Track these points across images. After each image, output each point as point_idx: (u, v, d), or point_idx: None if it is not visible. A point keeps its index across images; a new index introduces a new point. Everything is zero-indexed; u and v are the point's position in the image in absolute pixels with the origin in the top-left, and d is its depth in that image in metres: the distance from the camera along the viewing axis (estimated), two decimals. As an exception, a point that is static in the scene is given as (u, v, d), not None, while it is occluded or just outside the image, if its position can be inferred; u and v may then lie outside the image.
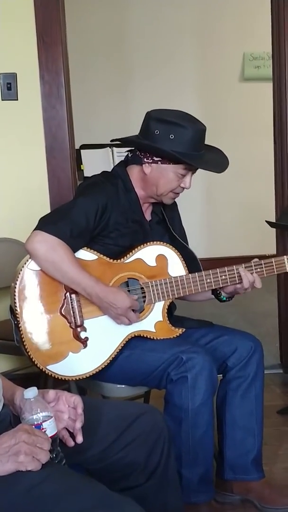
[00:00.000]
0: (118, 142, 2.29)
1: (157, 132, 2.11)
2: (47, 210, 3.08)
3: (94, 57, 5.60)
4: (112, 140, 2.33)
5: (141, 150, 2.19)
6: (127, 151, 2.27)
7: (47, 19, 3.02)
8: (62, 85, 3.07)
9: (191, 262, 2.27)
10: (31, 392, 1.44)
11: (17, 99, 3.08)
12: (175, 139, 2.09)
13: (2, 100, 3.06)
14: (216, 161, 2.21)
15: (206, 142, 2.25)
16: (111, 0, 5.60)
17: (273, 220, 3.21)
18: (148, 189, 2.21)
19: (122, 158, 2.29)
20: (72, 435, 1.55)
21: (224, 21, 5.71)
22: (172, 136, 2.09)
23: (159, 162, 2.15)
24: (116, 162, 4.25)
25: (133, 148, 2.25)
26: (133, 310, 2.10)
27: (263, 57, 5.77)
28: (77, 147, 4.42)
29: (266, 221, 2.92)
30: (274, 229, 3.33)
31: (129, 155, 2.25)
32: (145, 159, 2.16)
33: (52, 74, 3.06)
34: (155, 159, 2.15)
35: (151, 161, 2.16)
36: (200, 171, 2.20)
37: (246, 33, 5.71)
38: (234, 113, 5.82)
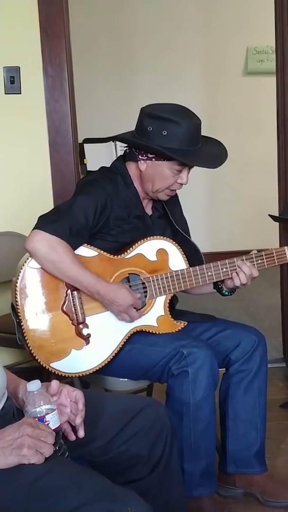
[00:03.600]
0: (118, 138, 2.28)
1: (150, 128, 2.09)
2: (50, 204, 3.08)
3: (97, 50, 5.58)
4: (107, 138, 2.32)
5: (135, 147, 2.18)
6: (126, 146, 2.26)
7: (50, 11, 3.01)
8: (66, 79, 3.06)
9: (194, 255, 2.26)
10: (35, 385, 1.44)
11: (20, 93, 3.07)
12: (168, 135, 2.07)
13: (5, 93, 3.06)
14: (213, 154, 2.18)
15: (209, 135, 2.24)
16: (114, -6, 5.59)
17: (276, 214, 3.20)
18: (145, 186, 2.19)
19: (124, 153, 2.28)
20: (74, 429, 1.55)
21: (228, 15, 5.69)
22: (165, 133, 2.07)
23: (153, 159, 2.13)
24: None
25: None
26: (134, 308, 2.10)
27: (267, 51, 5.76)
28: (80, 141, 4.41)
29: (269, 215, 2.91)
30: (277, 223, 3.33)
31: (127, 151, 2.24)
32: (139, 156, 2.15)
33: (55, 68, 3.05)
34: (149, 156, 2.13)
35: (146, 158, 2.14)
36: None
37: (250, 27, 5.69)
38: (237, 107, 5.80)
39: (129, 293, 2.08)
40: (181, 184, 2.18)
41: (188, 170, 2.16)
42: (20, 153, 3.15)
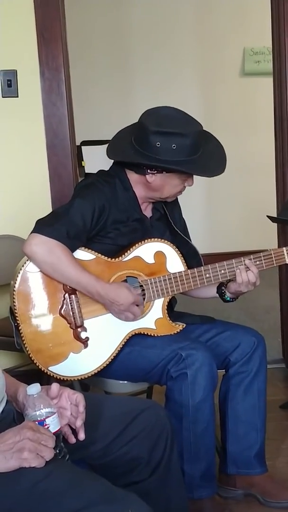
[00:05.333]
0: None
1: (158, 144, 2.08)
2: (48, 207, 3.08)
3: (94, 52, 5.58)
4: (108, 155, 2.26)
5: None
6: None
7: (47, 14, 3.01)
8: (63, 82, 3.07)
9: (193, 257, 2.26)
10: (34, 388, 1.44)
11: (17, 96, 3.07)
12: (177, 148, 2.08)
13: (3, 97, 3.06)
14: (216, 156, 2.19)
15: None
16: (110, -4, 5.60)
17: (275, 215, 3.20)
18: (151, 194, 2.20)
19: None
20: (74, 432, 1.55)
21: (224, 15, 5.69)
22: (174, 146, 2.07)
23: (163, 172, 2.13)
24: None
25: None
26: (136, 306, 2.10)
27: (264, 52, 5.76)
28: (78, 143, 4.42)
29: (267, 215, 2.91)
30: (276, 224, 3.33)
31: None
32: (148, 170, 2.14)
33: (52, 71, 3.05)
34: (159, 169, 2.13)
35: (156, 171, 2.13)
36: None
37: (246, 28, 5.69)
38: (234, 108, 5.81)
39: (130, 291, 2.08)
40: (188, 186, 2.20)
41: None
42: (18, 156, 3.14)
